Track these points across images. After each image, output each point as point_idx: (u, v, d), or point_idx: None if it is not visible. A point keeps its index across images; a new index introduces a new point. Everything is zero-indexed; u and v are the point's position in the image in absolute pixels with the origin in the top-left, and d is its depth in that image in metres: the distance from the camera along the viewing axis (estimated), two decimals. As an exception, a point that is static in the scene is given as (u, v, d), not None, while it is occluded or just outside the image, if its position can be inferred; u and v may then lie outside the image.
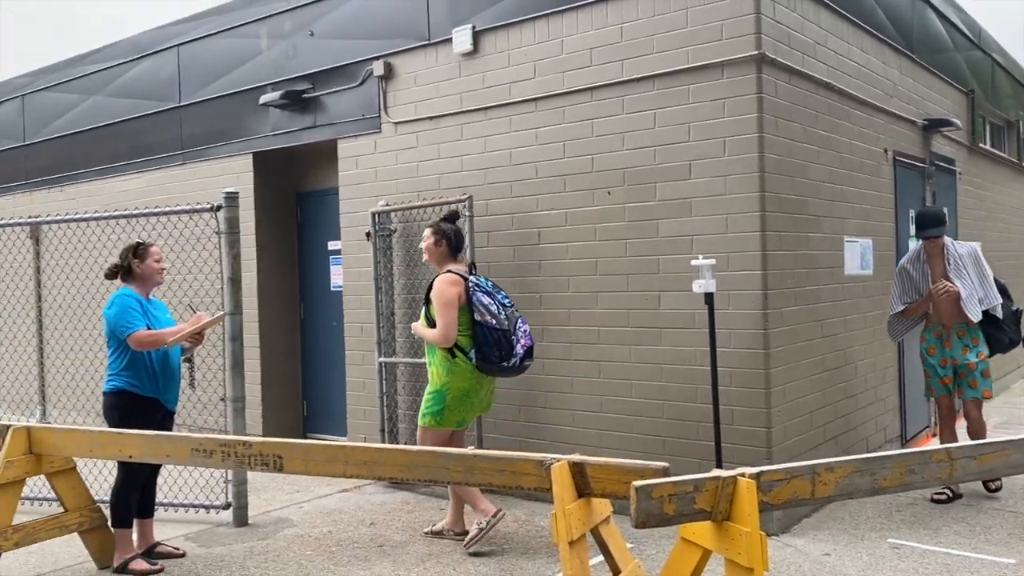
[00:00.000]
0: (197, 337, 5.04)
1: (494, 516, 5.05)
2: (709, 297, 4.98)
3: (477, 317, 4.96)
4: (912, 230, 7.06)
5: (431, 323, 5.10)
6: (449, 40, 6.50)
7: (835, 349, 6.06)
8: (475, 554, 4.98)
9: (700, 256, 5.08)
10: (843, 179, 6.22)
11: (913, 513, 5.57)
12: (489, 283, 5.21)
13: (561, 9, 5.91)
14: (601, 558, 3.67)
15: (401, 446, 4.10)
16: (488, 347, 4.94)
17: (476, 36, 6.35)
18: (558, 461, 3.30)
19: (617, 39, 5.67)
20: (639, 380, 5.65)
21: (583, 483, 3.30)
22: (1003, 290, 5.91)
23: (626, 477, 3.17)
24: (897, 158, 7.15)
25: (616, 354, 5.76)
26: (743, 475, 2.96)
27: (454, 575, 4.68)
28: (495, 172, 6.31)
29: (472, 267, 5.39)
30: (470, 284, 5.05)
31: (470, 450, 3.67)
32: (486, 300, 5.00)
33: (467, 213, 6.17)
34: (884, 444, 6.74)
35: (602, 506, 3.50)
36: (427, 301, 5.17)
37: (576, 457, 3.36)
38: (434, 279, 5.16)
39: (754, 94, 5.17)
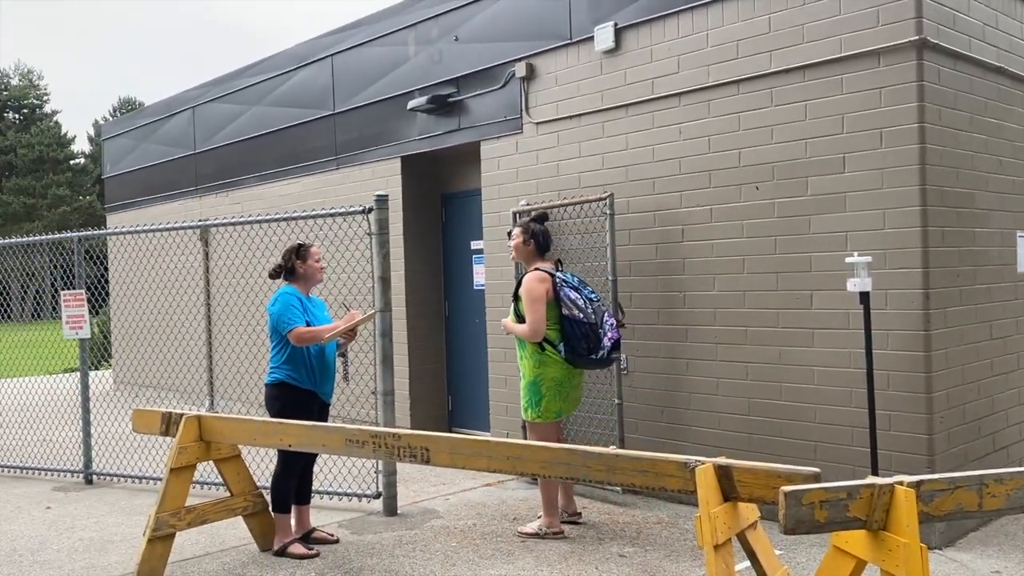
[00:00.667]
0: (350, 334, 5.28)
1: (554, 533, 5.25)
2: (865, 296, 4.75)
3: (565, 312, 5.10)
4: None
5: (520, 319, 5.27)
6: (590, 38, 6.50)
7: (1007, 352, 5.64)
8: (620, 555, 4.96)
9: (855, 253, 4.86)
10: (1017, 170, 5.77)
11: (1098, 532, 5.11)
12: (575, 279, 5.32)
13: (706, 2, 5.79)
14: (748, 564, 3.58)
15: (542, 443, 4.14)
16: (576, 340, 5.08)
17: (618, 33, 6.32)
18: (703, 463, 3.24)
19: (765, 30, 5.50)
20: (789, 382, 5.46)
21: (729, 487, 3.22)
22: None
23: (774, 482, 3.08)
24: (1079, 145, 6.56)
25: (765, 355, 5.59)
26: (901, 483, 2.81)
27: (596, 573, 4.68)
28: (637, 169, 6.26)
29: (558, 264, 5.48)
30: (557, 280, 5.19)
31: (612, 449, 3.66)
32: (573, 295, 5.12)
33: (608, 211, 6.15)
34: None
35: (749, 511, 3.41)
36: (516, 298, 5.34)
37: (722, 460, 3.28)
38: (522, 277, 5.32)
39: (914, 82, 4.88)
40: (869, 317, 4.78)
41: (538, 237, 5.40)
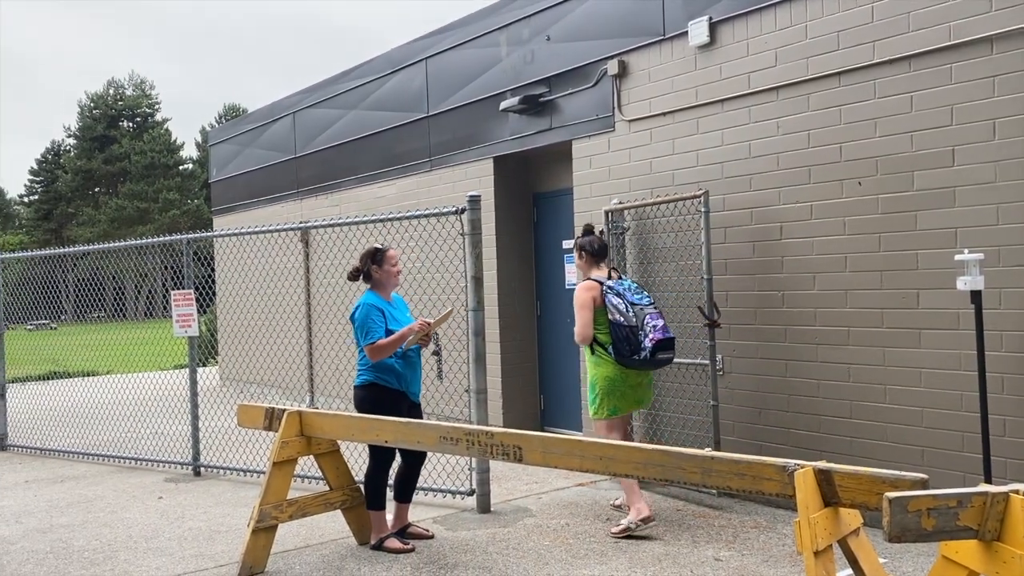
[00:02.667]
0: (424, 338, 5.32)
1: (644, 520, 5.22)
2: (976, 296, 4.53)
3: (610, 316, 5.38)
4: None
5: None
6: (684, 34, 6.41)
7: None
8: (716, 558, 4.88)
9: (966, 250, 4.64)
10: None
11: None
12: (626, 284, 5.57)
13: (804, -8, 5.63)
14: (849, 571, 3.46)
15: (637, 444, 4.10)
16: (619, 342, 5.36)
17: (713, 27, 6.21)
18: (802, 467, 3.16)
19: (867, 20, 5.31)
20: (895, 385, 5.26)
21: (830, 491, 3.13)
22: None
23: (879, 487, 2.97)
24: None
25: (868, 356, 5.39)
26: (1017, 492, 2.67)
27: (691, 577, 4.61)
28: (733, 166, 6.13)
29: (612, 271, 5.71)
30: (605, 288, 5.46)
31: (707, 451, 3.60)
32: (615, 300, 5.41)
33: (702, 209, 6.04)
34: None
35: (851, 517, 3.30)
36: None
37: (822, 464, 3.19)
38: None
39: (1031, 68, 4.63)
40: (981, 317, 4.55)
41: (587, 249, 5.71)
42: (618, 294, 5.42)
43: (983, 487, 2.75)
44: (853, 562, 3.35)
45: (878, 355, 5.33)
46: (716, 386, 6.11)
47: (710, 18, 6.21)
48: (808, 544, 3.05)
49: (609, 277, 5.59)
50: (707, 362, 6.12)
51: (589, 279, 5.59)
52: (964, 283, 4.51)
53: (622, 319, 5.33)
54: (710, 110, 6.28)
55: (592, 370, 5.55)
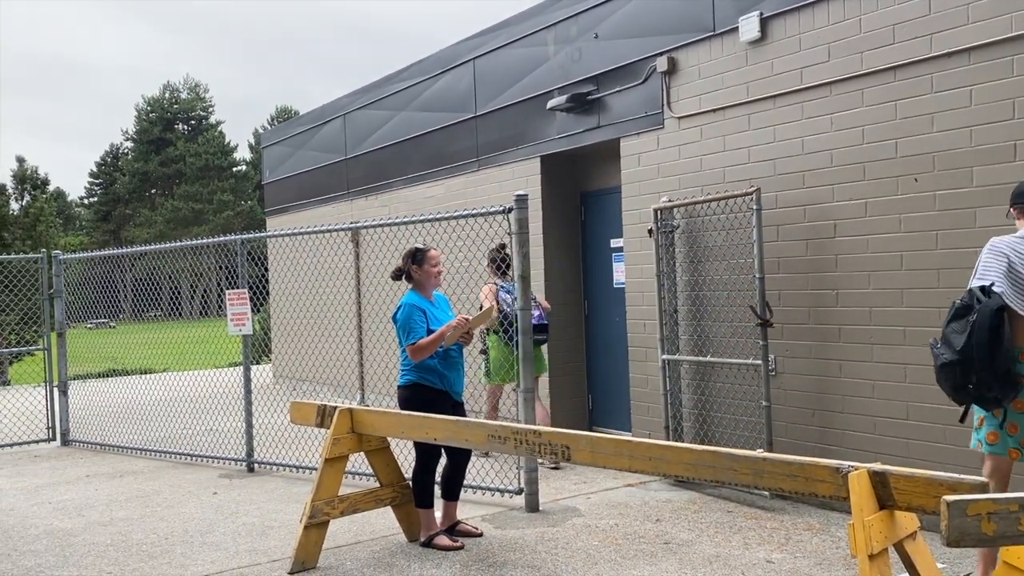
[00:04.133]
0: (466, 336, 5.32)
1: None
2: (1039, 294, 4.38)
3: (502, 307, 6.93)
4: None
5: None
6: (735, 29, 6.33)
7: None
8: (768, 560, 4.82)
9: (1028, 247, 4.49)
10: None
11: None
12: (510, 285, 6.73)
13: (858, -15, 5.52)
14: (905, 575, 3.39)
15: (687, 444, 4.07)
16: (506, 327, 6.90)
17: (764, 22, 6.12)
18: (856, 469, 3.10)
19: (924, 12, 5.18)
20: (951, 385, 5.11)
21: (885, 494, 3.06)
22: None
23: (936, 491, 2.90)
24: None
25: (925, 357, 5.25)
26: (1084, 498, 2.58)
27: (742, 579, 4.55)
28: (785, 162, 6.04)
29: (506, 276, 7.04)
30: (500, 288, 7.13)
31: (758, 452, 3.55)
32: (505, 296, 7.02)
33: (754, 206, 5.96)
34: None
35: (907, 520, 3.23)
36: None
37: (877, 466, 3.13)
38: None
39: (1098, 59, 4.47)
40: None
41: (496, 261, 7.31)
42: (508, 292, 6.94)
43: (1047, 492, 2.67)
44: (910, 566, 3.28)
45: (936, 355, 5.20)
46: (768, 387, 6.02)
47: (761, 13, 6.13)
48: (862, 547, 2.99)
49: (505, 280, 7.06)
50: (759, 362, 6.04)
51: (492, 283, 7.25)
52: None
53: (508, 310, 6.83)
54: (761, 106, 6.19)
55: (492, 349, 7.32)
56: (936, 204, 5.18)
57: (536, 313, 6.81)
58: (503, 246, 6.96)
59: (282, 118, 68.72)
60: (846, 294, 5.71)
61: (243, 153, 74.25)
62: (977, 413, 4.14)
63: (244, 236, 7.93)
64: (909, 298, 5.34)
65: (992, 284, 3.90)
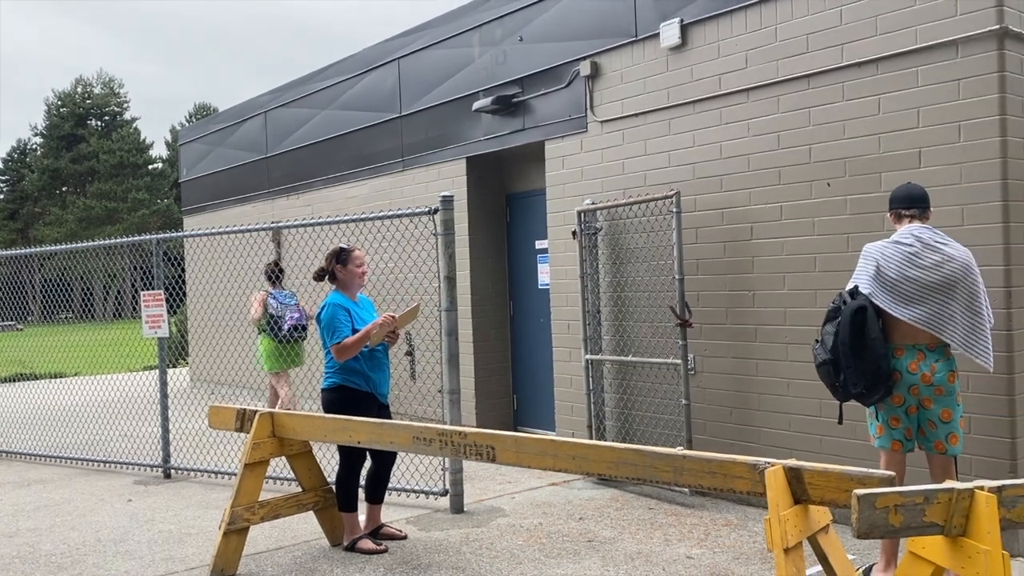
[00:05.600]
0: (392, 335, 5.29)
1: None
2: (942, 295, 4.59)
3: (270, 311, 8.26)
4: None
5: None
6: (656, 35, 6.45)
7: (1095, 353, 5.39)
8: (688, 556, 4.92)
9: (931, 250, 4.70)
10: (1105, 162, 5.51)
11: None
12: (284, 293, 8.36)
13: (774, -5, 5.68)
14: (819, 568, 3.50)
15: (610, 443, 4.12)
16: (273, 327, 8.25)
17: (684, 29, 6.25)
18: (773, 465, 3.19)
19: (836, 23, 5.38)
20: (861, 383, 5.31)
21: (800, 489, 3.16)
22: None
23: (847, 485, 3.01)
24: None
25: (835, 355, 5.45)
26: (981, 488, 2.72)
27: (663, 575, 4.64)
28: (704, 167, 6.18)
29: (278, 283, 8.49)
30: (269, 295, 8.32)
31: (679, 450, 3.62)
32: (272, 302, 8.28)
33: (674, 209, 6.09)
34: None
35: (820, 514, 3.34)
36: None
37: (792, 462, 3.23)
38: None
39: (995, 72, 4.71)
40: (947, 316, 4.63)
41: (269, 274, 8.49)
42: (274, 297, 8.29)
43: (949, 484, 2.80)
44: (823, 559, 3.39)
45: (847, 354, 5.39)
46: (688, 385, 6.15)
47: (681, 20, 6.26)
48: (778, 541, 3.08)
49: (276, 288, 8.46)
50: (679, 362, 6.16)
51: (265, 291, 8.45)
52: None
53: (274, 312, 8.24)
54: (682, 111, 6.32)
55: (262, 343, 8.54)
56: (847, 208, 5.38)
57: (296, 315, 8.34)
58: (276, 262, 8.82)
59: (201, 115, 66.96)
60: (762, 295, 5.88)
61: (160, 150, 72.03)
62: (869, 409, 4.40)
63: (160, 236, 7.71)
64: (822, 298, 5.53)
65: (857, 287, 4.20)
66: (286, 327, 8.28)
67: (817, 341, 4.34)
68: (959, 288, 4.18)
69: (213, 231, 7.70)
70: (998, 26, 4.68)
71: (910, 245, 4.22)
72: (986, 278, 4.78)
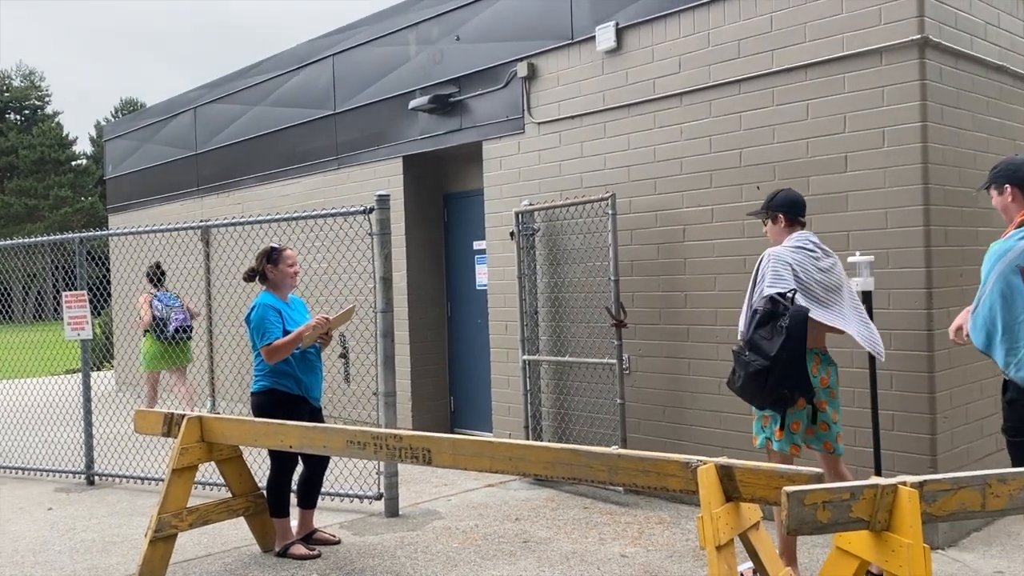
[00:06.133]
0: (325, 337, 5.21)
1: None
2: (867, 296, 4.74)
3: (154, 312, 8.66)
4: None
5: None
6: (592, 38, 6.49)
7: (1009, 352, 5.61)
8: (622, 555, 4.96)
9: (857, 253, 4.85)
10: (1018, 168, 5.75)
11: (1101, 532, 5.10)
12: (168, 295, 8.83)
13: (707, 1, 5.78)
14: (750, 564, 3.57)
15: (546, 443, 4.12)
16: (157, 327, 8.66)
17: (619, 33, 6.31)
18: (705, 463, 3.23)
19: (767, 29, 5.49)
20: (790, 382, 5.44)
21: (731, 487, 3.21)
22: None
23: (777, 482, 3.07)
24: (1082, 144, 6.55)
25: (765, 355, 5.56)
26: (904, 484, 2.79)
27: (598, 574, 4.67)
28: (639, 169, 6.25)
29: (161, 286, 8.94)
30: (155, 297, 8.75)
31: (613, 449, 3.65)
32: (157, 304, 8.73)
33: (610, 211, 6.14)
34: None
35: (751, 511, 3.40)
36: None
37: (724, 460, 3.27)
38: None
39: (916, 81, 4.87)
40: (872, 316, 4.77)
41: (151, 277, 8.88)
42: (158, 299, 8.71)
43: (873, 479, 2.87)
44: (753, 555, 3.45)
45: (776, 354, 5.50)
46: (623, 385, 6.21)
47: (617, 24, 6.32)
48: (711, 539, 3.11)
49: (159, 290, 8.85)
50: (614, 362, 6.22)
51: (149, 292, 8.80)
52: (856, 284, 4.71)
53: (159, 314, 8.63)
54: (617, 114, 6.38)
55: (145, 343, 8.87)
56: (777, 211, 5.49)
57: (181, 316, 8.73)
58: (158, 265, 9.04)
59: (127, 110, 65.09)
60: (694, 296, 5.97)
61: (83, 146, 69.81)
62: (762, 413, 4.41)
63: (83, 234, 7.46)
64: (752, 300, 5.63)
65: (794, 291, 4.19)
66: (171, 329, 8.64)
67: (747, 348, 4.22)
68: (844, 288, 4.38)
69: (139, 230, 7.48)
70: (919, 36, 4.84)
71: (812, 250, 4.33)
72: (908, 279, 4.95)
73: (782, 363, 4.05)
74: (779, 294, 4.16)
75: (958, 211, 5.12)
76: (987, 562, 4.68)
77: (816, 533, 2.80)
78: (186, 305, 8.96)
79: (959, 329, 3.83)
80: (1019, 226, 3.69)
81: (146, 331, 8.74)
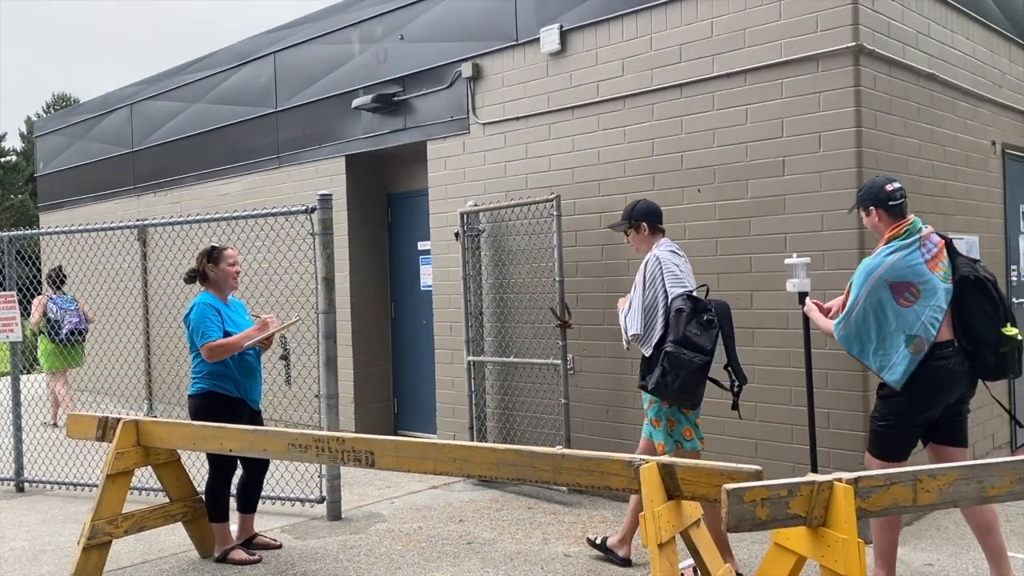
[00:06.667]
0: (266, 342, 5.13)
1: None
2: (803, 297, 4.83)
3: (49, 315, 9.06)
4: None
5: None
6: (537, 40, 6.52)
7: (939, 351, 5.79)
8: (566, 554, 4.98)
9: (794, 254, 4.95)
10: (947, 174, 5.96)
11: (1024, 524, 5.30)
12: (65, 298, 9.24)
13: (650, 6, 5.85)
14: (691, 561, 3.62)
15: (490, 444, 4.13)
16: (52, 330, 9.09)
17: (564, 35, 6.35)
18: (647, 462, 3.27)
19: (708, 34, 5.58)
20: (730, 381, 5.53)
21: (673, 485, 3.25)
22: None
23: (717, 480, 3.11)
24: (1006, 151, 6.81)
25: (706, 354, 5.65)
26: (840, 480, 2.86)
27: (542, 574, 4.68)
28: (583, 171, 6.29)
29: (61, 290, 9.34)
30: (50, 299, 9.14)
31: (557, 449, 3.66)
32: (51, 306, 9.10)
33: (555, 212, 6.17)
34: (992, 451, 6.43)
35: (692, 509, 3.45)
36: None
37: (665, 459, 3.31)
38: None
39: (851, 87, 5.00)
40: (808, 317, 4.87)
41: (51, 280, 9.24)
42: (54, 302, 9.10)
43: (810, 476, 2.94)
44: (694, 552, 3.50)
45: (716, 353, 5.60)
46: (567, 385, 6.24)
47: (561, 26, 6.35)
48: (653, 537, 3.15)
49: (57, 294, 9.21)
50: (559, 362, 6.25)
51: (46, 295, 9.18)
52: (792, 285, 4.81)
53: (53, 316, 9.02)
54: (561, 116, 6.41)
55: (41, 343, 9.22)
56: (716, 213, 5.59)
57: (75, 320, 9.11)
58: (60, 268, 9.32)
59: (60, 106, 63.16)
60: (638, 297, 6.02)
61: (13, 142, 67.41)
62: (657, 414, 4.57)
63: (12, 233, 7.22)
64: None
65: (706, 287, 4.50)
66: (64, 331, 9.05)
67: (684, 347, 4.29)
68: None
69: (72, 229, 7.26)
70: (854, 43, 4.97)
71: (680, 254, 4.66)
72: (843, 281, 5.05)
73: (711, 356, 4.29)
74: (692, 291, 4.43)
75: (890, 214, 5.26)
76: (918, 555, 4.83)
77: (755, 530, 2.85)
78: (82, 309, 9.28)
79: (828, 310, 4.36)
80: (887, 243, 4.02)
81: (40, 332, 9.17)
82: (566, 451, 3.62)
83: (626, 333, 4.59)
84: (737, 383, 4.48)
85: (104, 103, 11.85)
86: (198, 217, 6.50)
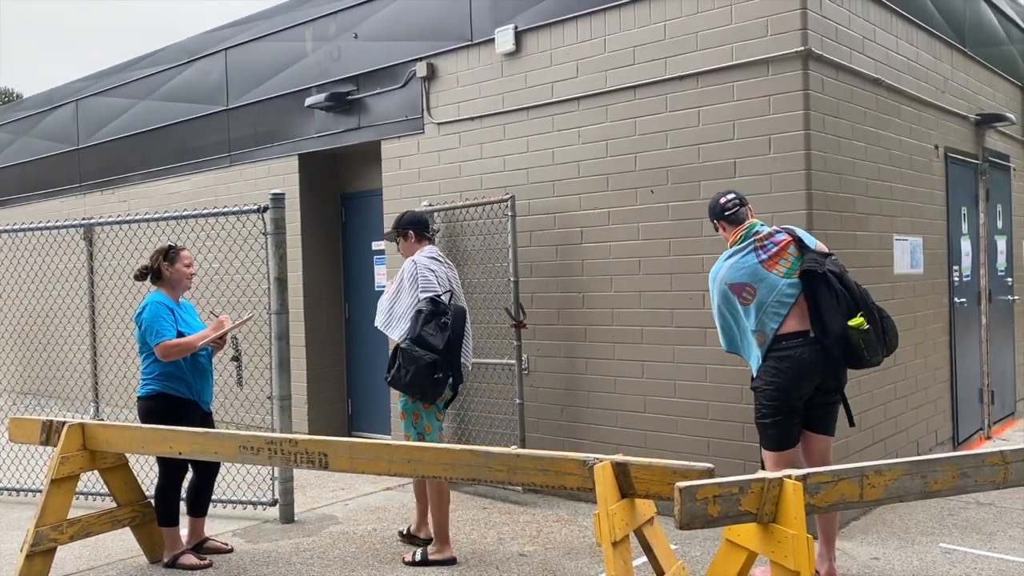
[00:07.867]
0: (220, 341, 5.06)
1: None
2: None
3: None
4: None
5: None
6: (491, 40, 6.52)
7: (884, 349, 5.93)
8: (520, 554, 4.99)
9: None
10: (892, 176, 6.10)
11: (966, 517, 5.45)
12: None
13: (603, 8, 5.89)
14: (645, 559, 3.65)
15: (444, 445, 4.11)
16: None
17: (518, 36, 6.36)
18: (601, 461, 3.29)
19: (660, 37, 5.64)
20: (683, 380, 5.61)
21: (626, 484, 3.28)
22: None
23: (670, 478, 3.15)
24: (949, 154, 7.00)
25: (660, 354, 5.72)
26: (789, 477, 2.92)
27: (497, 574, 4.69)
28: (537, 172, 6.31)
29: None
30: None
31: (512, 449, 3.67)
32: None
33: (509, 213, 6.18)
34: (935, 447, 6.60)
35: (646, 507, 3.48)
36: None
37: (619, 457, 3.34)
38: None
39: (800, 91, 5.10)
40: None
41: None
42: None
43: (761, 474, 2.99)
44: (648, 550, 3.54)
45: (668, 352, 5.67)
46: (522, 385, 6.26)
47: (516, 27, 6.36)
48: (607, 536, 3.17)
49: None
50: (513, 362, 6.26)
51: None
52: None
53: None
54: (516, 117, 6.43)
55: None
56: (669, 215, 5.65)
57: None
58: None
59: (2, 101, 61.33)
60: (591, 296, 6.07)
61: (-48, 137, 65.43)
62: (404, 407, 4.92)
63: (-49, 232, 7.00)
64: (646, 300, 5.78)
65: (450, 294, 4.93)
66: None
67: (416, 345, 4.66)
68: (462, 292, 5.30)
69: (15, 228, 7.07)
70: (803, 48, 5.06)
71: (442, 261, 5.08)
72: (792, 281, 5.16)
73: (448, 355, 4.69)
74: (438, 295, 4.82)
75: (837, 216, 5.39)
76: (864, 549, 4.94)
77: (708, 527, 2.89)
78: None
79: None
80: (731, 247, 4.42)
81: None
82: (521, 451, 3.63)
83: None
84: (452, 381, 4.85)
85: (49, 99, 11.56)
86: (147, 216, 6.38)
